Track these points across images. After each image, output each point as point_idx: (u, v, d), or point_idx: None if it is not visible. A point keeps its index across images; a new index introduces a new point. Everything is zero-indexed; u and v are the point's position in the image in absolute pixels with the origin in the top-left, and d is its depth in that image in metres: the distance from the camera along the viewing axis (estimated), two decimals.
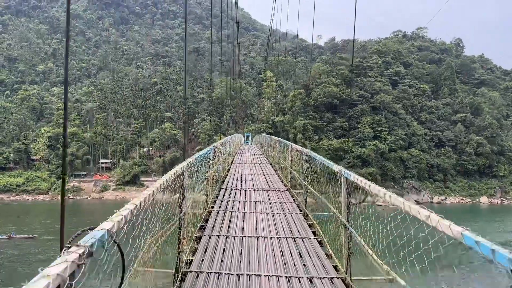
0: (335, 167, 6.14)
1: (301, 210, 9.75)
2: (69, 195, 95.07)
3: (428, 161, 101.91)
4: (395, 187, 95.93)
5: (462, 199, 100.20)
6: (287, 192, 12.44)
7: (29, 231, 54.08)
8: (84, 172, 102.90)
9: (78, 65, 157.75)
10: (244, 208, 9.77)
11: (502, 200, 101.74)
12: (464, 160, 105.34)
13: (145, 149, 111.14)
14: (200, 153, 8.00)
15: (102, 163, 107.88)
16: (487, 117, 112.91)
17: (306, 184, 9.91)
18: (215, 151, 11.20)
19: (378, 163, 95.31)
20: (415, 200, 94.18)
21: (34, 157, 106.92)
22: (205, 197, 9.54)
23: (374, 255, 4.59)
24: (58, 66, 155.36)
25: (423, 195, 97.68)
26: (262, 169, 18.85)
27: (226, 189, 12.32)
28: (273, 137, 24.73)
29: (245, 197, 11.13)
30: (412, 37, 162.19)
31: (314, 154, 8.94)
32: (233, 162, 21.27)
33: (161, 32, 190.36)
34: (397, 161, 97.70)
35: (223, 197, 11.04)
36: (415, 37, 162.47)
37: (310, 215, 8.95)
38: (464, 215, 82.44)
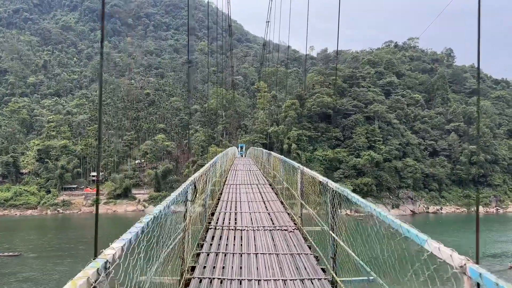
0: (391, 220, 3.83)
1: (324, 270, 6.39)
2: (58, 209, 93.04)
3: (423, 171, 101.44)
4: (391, 197, 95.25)
5: (457, 209, 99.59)
6: (298, 232, 8.93)
7: (15, 247, 52.25)
8: (75, 186, 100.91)
9: (70, 77, 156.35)
10: (241, 267, 6.34)
11: (497, 209, 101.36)
12: (459, 169, 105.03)
13: (137, 161, 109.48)
14: (167, 201, 4.49)
15: (93, 176, 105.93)
16: (480, 126, 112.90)
17: (337, 237, 6.17)
18: (195, 187, 7.06)
19: (373, 173, 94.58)
20: (410, 210, 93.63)
21: (23, 171, 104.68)
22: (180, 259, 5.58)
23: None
24: (49, 78, 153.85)
25: (419, 205, 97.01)
26: (260, 193, 15.61)
27: (215, 229, 9.00)
28: (272, 153, 20.74)
29: (241, 245, 7.76)
30: (404, 47, 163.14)
31: (349, 193, 5.66)
32: (226, 183, 18.54)
33: (153, 43, 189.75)
34: (392, 171, 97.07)
35: (210, 247, 7.55)
36: (407, 47, 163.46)
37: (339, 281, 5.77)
38: (460, 225, 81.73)
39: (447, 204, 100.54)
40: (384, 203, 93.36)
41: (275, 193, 15.33)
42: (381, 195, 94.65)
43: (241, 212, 11.17)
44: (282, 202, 13.17)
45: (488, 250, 61.25)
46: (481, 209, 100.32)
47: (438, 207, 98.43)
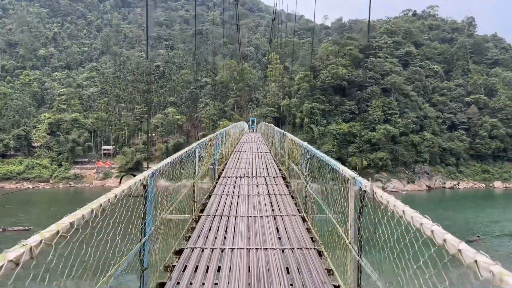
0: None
1: None
2: (70, 182, 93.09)
3: (440, 145, 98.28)
4: (406, 172, 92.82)
5: (475, 184, 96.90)
6: None
7: (25, 221, 51.96)
8: (86, 159, 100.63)
9: (80, 49, 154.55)
10: None
11: None
12: (478, 143, 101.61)
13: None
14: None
15: (104, 149, 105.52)
16: (502, 98, 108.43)
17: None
18: None
19: (388, 148, 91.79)
20: (426, 185, 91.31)
21: (35, 144, 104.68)
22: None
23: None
24: (59, 51, 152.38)
25: (435, 180, 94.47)
26: (269, 195, 10.21)
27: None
28: (288, 135, 14.09)
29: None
30: (423, 16, 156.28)
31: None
32: (223, 174, 13.53)
33: (164, 14, 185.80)
34: (408, 145, 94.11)
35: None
36: (426, 16, 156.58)
37: None
38: (478, 201, 79.43)
39: (465, 179, 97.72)
40: (399, 178, 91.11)
41: (291, 196, 10.07)
42: (397, 170, 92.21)
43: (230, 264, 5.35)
44: (305, 219, 7.79)
45: (507, 227, 58.54)
46: (500, 184, 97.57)
47: (455, 182, 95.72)
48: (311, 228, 7.23)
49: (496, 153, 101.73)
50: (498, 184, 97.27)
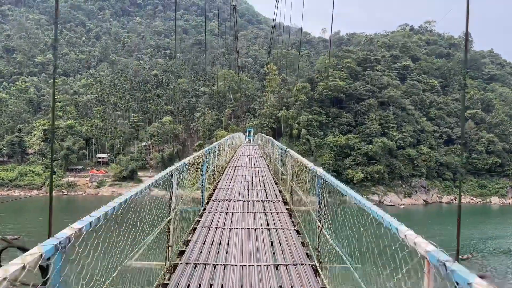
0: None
1: None
2: (63, 190, 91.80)
3: (437, 159, 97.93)
4: (403, 186, 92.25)
5: (472, 199, 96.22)
6: None
7: (16, 230, 50.84)
8: (80, 167, 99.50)
9: (78, 57, 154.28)
10: None
11: None
12: (475, 158, 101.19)
13: (143, 144, 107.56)
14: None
15: (99, 157, 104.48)
16: (498, 113, 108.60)
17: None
18: None
19: (385, 161, 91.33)
20: (423, 200, 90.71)
21: (29, 151, 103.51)
22: None
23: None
24: (57, 58, 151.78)
25: (432, 195, 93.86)
26: (271, 236, 7.60)
27: None
28: (291, 152, 11.09)
29: None
30: (420, 30, 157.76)
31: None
32: (213, 197, 11.38)
33: (162, 24, 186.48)
34: (405, 158, 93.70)
35: None
36: (423, 30, 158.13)
37: None
38: (475, 216, 78.72)
39: (462, 194, 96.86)
40: (396, 192, 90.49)
41: (297, 230, 7.91)
42: (393, 184, 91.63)
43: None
44: (317, 271, 5.82)
45: (503, 245, 57.70)
46: (496, 200, 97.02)
47: (452, 197, 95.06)
48: None
49: (493, 168, 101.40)
50: (495, 199, 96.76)
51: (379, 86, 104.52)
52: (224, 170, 17.50)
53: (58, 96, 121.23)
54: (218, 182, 14.11)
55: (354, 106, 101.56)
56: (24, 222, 58.16)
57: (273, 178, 16.08)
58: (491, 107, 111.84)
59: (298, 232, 7.73)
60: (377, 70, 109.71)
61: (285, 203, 10.79)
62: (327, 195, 5.64)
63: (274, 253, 6.36)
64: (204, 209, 9.68)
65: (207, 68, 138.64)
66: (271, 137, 25.26)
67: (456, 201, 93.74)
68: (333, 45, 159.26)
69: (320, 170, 6.16)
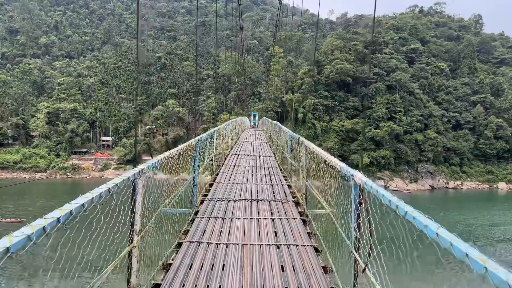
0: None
1: None
2: (67, 173, 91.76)
3: (445, 144, 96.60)
4: (409, 171, 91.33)
5: (479, 185, 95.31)
6: None
7: (19, 212, 50.71)
8: (84, 150, 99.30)
9: (81, 39, 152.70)
10: None
11: None
12: (483, 143, 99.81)
13: (147, 127, 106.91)
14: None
15: (103, 140, 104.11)
16: (508, 98, 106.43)
17: None
18: None
19: (392, 146, 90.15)
20: (429, 185, 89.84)
21: (33, 133, 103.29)
22: None
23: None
24: (60, 39, 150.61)
25: (438, 180, 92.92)
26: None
27: None
28: (305, 141, 8.76)
29: None
30: (429, 12, 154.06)
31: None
32: (208, 196, 9.52)
33: (166, 5, 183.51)
34: (412, 143, 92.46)
35: None
36: (433, 12, 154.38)
37: None
38: (481, 202, 77.95)
39: (468, 179, 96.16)
40: (402, 177, 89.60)
41: (314, 247, 6.00)
42: (399, 169, 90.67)
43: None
44: None
45: (509, 231, 56.58)
46: (504, 185, 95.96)
47: (459, 183, 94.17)
48: None
49: (501, 154, 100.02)
50: (502, 185, 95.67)
51: (387, 69, 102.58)
52: (225, 159, 15.94)
53: (62, 79, 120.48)
54: (217, 174, 12.42)
55: (361, 89, 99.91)
56: (25, 205, 58.01)
57: (281, 169, 14.30)
58: (501, 92, 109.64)
59: (316, 249, 5.87)
60: (385, 53, 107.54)
61: (296, 203, 8.96)
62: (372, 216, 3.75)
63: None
64: (197, 213, 7.87)
65: (212, 51, 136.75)
66: (278, 122, 22.57)
67: (463, 187, 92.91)
68: (340, 27, 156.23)
69: (360, 176, 3.92)
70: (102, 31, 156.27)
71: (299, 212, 8.11)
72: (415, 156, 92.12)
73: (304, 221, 7.45)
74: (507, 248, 48.38)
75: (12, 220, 46.93)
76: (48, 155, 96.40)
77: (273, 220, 7.39)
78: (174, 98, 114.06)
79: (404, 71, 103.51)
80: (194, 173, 8.29)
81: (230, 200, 8.89)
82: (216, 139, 13.80)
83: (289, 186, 10.92)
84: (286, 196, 9.68)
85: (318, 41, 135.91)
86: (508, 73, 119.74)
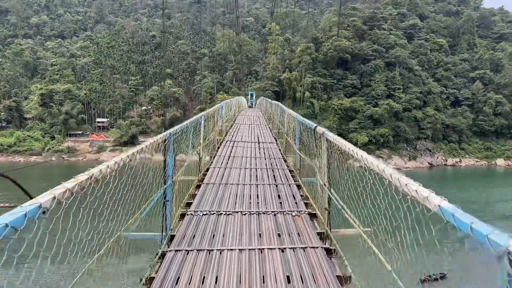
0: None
1: None
2: (63, 156, 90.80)
3: (443, 121, 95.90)
4: (408, 148, 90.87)
5: (477, 162, 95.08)
6: None
7: (12, 197, 49.89)
8: (80, 132, 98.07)
9: (74, 18, 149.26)
10: None
11: None
12: (481, 120, 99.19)
13: (143, 108, 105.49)
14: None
15: (99, 122, 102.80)
16: (508, 73, 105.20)
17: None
18: None
19: (391, 124, 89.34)
20: (428, 163, 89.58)
21: (27, 116, 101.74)
22: None
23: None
24: (52, 19, 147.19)
25: (437, 157, 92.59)
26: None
27: None
28: (328, 134, 5.77)
29: None
30: None
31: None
32: (206, 182, 8.84)
33: None
34: (411, 121, 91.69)
35: None
36: None
37: None
38: (480, 179, 77.80)
39: (467, 156, 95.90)
40: (401, 155, 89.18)
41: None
42: (398, 147, 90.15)
43: None
44: None
45: (507, 209, 56.29)
46: (502, 162, 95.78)
47: (457, 160, 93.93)
48: None
49: (500, 130, 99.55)
50: (500, 161, 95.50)
51: (386, 45, 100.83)
52: (218, 148, 13.52)
53: (55, 59, 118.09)
54: (207, 170, 10.01)
55: (360, 67, 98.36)
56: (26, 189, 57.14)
57: (285, 160, 12.03)
58: (500, 67, 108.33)
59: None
60: (384, 29, 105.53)
61: (312, 215, 6.66)
62: None
63: None
64: (170, 241, 5.37)
65: (207, 29, 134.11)
66: (279, 103, 19.95)
67: (462, 164, 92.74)
68: (338, 2, 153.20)
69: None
70: (95, 10, 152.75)
71: (319, 234, 5.71)
72: (414, 133, 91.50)
73: (328, 252, 5.08)
74: (506, 226, 48.29)
75: (7, 205, 46.19)
76: (43, 137, 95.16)
77: (282, 251, 4.97)
78: (169, 78, 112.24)
79: (403, 47, 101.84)
80: (165, 184, 5.56)
81: (221, 214, 6.49)
82: (205, 127, 11.09)
83: (299, 187, 8.70)
84: (297, 204, 7.21)
85: (316, 17, 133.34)
86: (507, 48, 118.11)
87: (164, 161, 5.63)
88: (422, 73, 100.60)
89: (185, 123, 7.50)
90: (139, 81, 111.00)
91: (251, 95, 66.72)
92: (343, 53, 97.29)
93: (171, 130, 5.97)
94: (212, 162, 11.11)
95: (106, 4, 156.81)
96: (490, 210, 54.70)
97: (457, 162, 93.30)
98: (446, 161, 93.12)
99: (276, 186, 8.70)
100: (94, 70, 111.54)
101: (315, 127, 7.03)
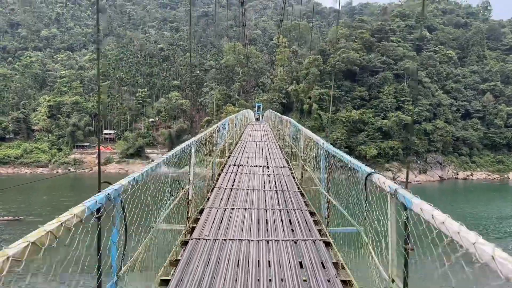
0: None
1: None
2: (69, 168, 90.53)
3: (454, 134, 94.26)
4: (418, 162, 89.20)
5: (489, 175, 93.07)
6: None
7: (18, 209, 49.44)
8: (87, 144, 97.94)
9: (83, 31, 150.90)
10: None
11: None
12: (493, 132, 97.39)
13: (150, 120, 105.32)
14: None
15: (106, 134, 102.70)
16: None
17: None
18: None
19: (400, 136, 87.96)
20: (439, 176, 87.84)
21: (35, 128, 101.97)
22: None
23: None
24: (62, 32, 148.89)
25: (448, 171, 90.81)
26: None
27: None
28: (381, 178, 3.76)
29: None
30: None
31: None
32: (201, 225, 6.73)
33: None
34: (420, 133, 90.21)
35: None
36: None
37: None
38: (491, 193, 75.94)
39: (478, 169, 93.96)
40: (411, 168, 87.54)
41: None
42: (408, 160, 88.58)
43: None
44: None
45: None
46: None
47: (468, 173, 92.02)
48: None
49: None
50: None
51: (394, 57, 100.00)
52: (219, 175, 11.30)
53: (63, 72, 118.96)
54: (200, 214, 7.48)
55: (368, 79, 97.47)
56: (30, 201, 56.79)
57: (302, 191, 9.67)
58: (511, 79, 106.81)
59: None
60: (392, 41, 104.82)
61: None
62: None
63: None
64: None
65: (215, 41, 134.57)
66: (291, 119, 16.95)
67: (473, 177, 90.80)
68: (345, 15, 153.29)
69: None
70: (104, 23, 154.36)
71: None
72: (424, 146, 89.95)
73: None
74: None
75: (10, 218, 45.59)
76: (50, 149, 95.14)
77: None
78: (177, 90, 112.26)
79: (412, 59, 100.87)
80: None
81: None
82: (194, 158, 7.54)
83: (327, 244, 5.95)
84: (331, 276, 4.70)
85: (323, 30, 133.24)
86: None
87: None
88: (431, 85, 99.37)
89: (174, 151, 5.90)
90: (147, 93, 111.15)
91: (258, 107, 66.03)
92: (351, 65, 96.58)
93: (162, 157, 5.40)
94: (208, 198, 8.63)
95: (115, 17, 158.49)
96: (503, 227, 52.91)
97: (468, 176, 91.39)
98: (457, 174, 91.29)
99: (295, 242, 5.89)
100: (102, 83, 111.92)
101: (368, 174, 4.06)
